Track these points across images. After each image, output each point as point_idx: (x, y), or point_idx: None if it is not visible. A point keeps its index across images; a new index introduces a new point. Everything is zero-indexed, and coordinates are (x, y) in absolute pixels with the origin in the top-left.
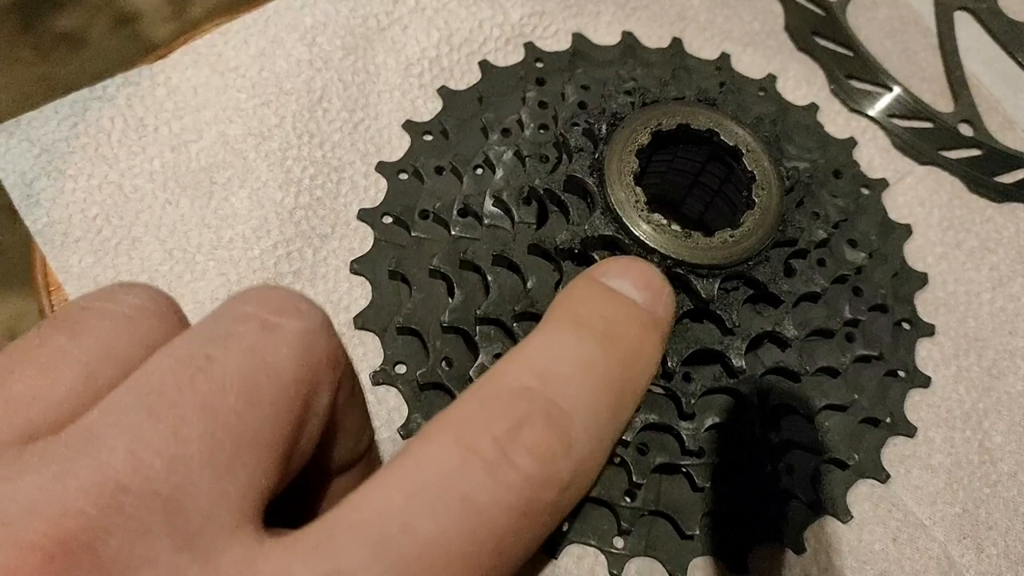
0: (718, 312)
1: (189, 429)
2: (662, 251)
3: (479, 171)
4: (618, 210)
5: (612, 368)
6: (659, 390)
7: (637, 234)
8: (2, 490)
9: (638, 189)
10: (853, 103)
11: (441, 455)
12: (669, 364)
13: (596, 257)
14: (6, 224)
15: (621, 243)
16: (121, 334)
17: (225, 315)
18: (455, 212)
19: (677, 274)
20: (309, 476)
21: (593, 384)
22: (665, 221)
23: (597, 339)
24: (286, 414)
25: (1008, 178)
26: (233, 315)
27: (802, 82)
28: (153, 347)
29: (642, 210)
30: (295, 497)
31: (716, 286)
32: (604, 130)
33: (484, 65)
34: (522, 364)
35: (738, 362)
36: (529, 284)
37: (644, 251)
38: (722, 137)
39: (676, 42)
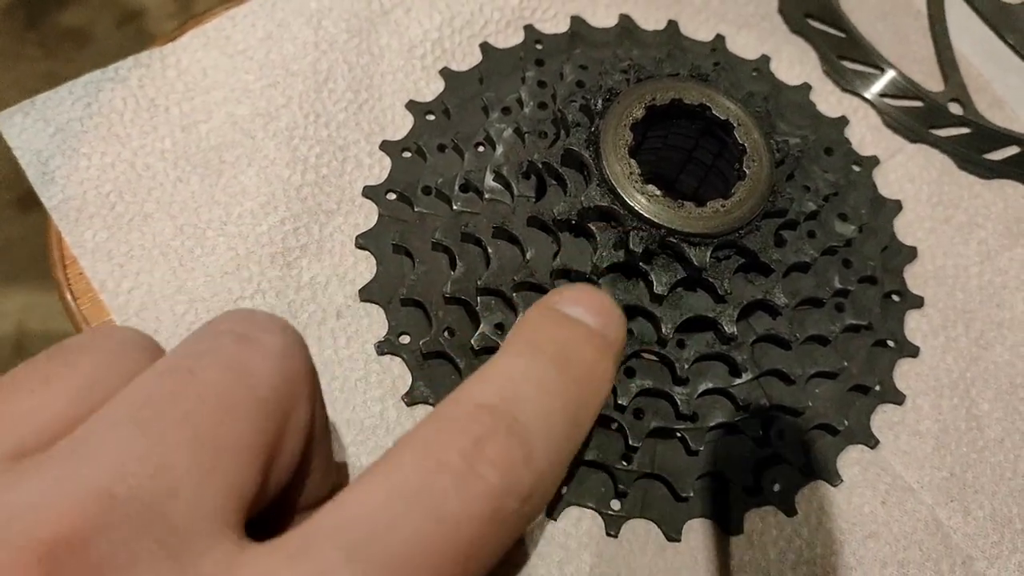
0: (710, 280)
1: (172, 438)
2: (656, 220)
3: (480, 148)
4: (613, 182)
5: (568, 387)
6: (653, 357)
7: (632, 204)
8: None
9: (632, 161)
10: (845, 83)
11: (412, 469)
12: (663, 331)
13: (593, 228)
14: (15, 217)
15: (616, 214)
16: (109, 365)
17: (206, 333)
18: (456, 188)
19: (670, 243)
20: (278, 513)
21: (550, 402)
22: (659, 192)
23: (552, 361)
24: (265, 423)
25: (996, 155)
26: (213, 332)
27: (795, 63)
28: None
29: (636, 181)
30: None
31: (708, 254)
32: (600, 105)
33: (485, 47)
34: (483, 385)
35: (730, 329)
36: (528, 255)
37: (639, 221)
38: (714, 111)
39: (672, 24)
